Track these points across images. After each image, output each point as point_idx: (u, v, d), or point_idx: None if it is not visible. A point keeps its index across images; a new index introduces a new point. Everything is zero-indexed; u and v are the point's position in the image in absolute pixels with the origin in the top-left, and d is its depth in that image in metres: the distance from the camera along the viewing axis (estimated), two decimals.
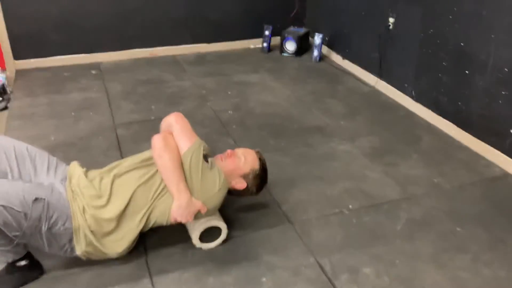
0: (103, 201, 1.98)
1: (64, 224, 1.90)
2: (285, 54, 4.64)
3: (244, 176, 2.23)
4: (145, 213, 2.02)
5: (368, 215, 2.48)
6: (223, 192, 2.15)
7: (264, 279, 2.06)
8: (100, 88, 3.79)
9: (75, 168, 2.12)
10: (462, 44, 3.09)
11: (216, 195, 2.11)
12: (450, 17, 3.15)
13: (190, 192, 2.03)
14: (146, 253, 2.17)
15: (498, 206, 2.59)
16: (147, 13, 4.29)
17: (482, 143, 3.05)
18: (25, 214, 1.79)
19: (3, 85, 3.54)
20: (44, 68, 4.08)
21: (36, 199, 1.83)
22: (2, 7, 3.84)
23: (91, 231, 1.94)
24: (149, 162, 2.12)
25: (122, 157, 2.81)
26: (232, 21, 4.63)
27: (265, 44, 4.64)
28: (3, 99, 3.48)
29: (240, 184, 2.23)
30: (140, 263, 2.12)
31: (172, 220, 2.06)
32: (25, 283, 1.97)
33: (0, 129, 3.11)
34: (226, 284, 2.03)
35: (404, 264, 2.17)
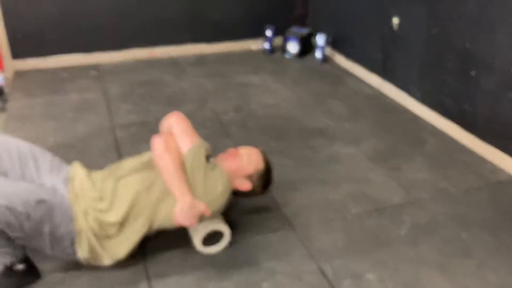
0: (105, 204, 1.95)
1: (66, 227, 1.87)
2: (287, 55, 4.58)
3: (249, 177, 2.18)
4: (148, 217, 1.99)
5: (371, 220, 2.44)
6: (227, 193, 2.11)
7: (265, 285, 2.02)
8: (99, 89, 3.74)
9: (77, 169, 2.09)
10: (467, 45, 3.04)
11: (219, 197, 2.07)
12: (455, 17, 3.10)
13: (193, 194, 1.99)
14: (145, 257, 2.12)
15: (505, 211, 2.55)
16: (146, 14, 4.24)
17: (488, 146, 2.99)
18: (28, 215, 1.77)
19: (1, 86, 3.50)
20: (42, 69, 4.03)
21: (39, 201, 1.81)
22: (1, 7, 3.80)
23: (94, 234, 1.91)
24: (150, 165, 2.09)
25: (120, 158, 2.77)
26: (233, 22, 4.58)
27: (266, 45, 4.58)
28: (1, 100, 3.44)
29: (245, 185, 2.18)
30: (139, 267, 2.08)
31: (175, 223, 2.02)
32: (21, 287, 1.93)
33: None
34: None
35: (408, 270, 2.13)
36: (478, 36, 2.96)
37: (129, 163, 2.14)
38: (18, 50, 3.97)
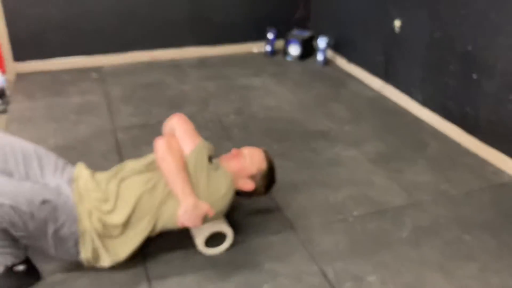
0: (109, 205, 1.95)
1: (70, 227, 1.87)
2: (288, 58, 4.58)
3: (252, 177, 2.18)
4: (151, 218, 1.99)
5: (373, 222, 2.43)
6: (231, 194, 2.10)
7: (265, 286, 2.01)
8: (100, 91, 3.74)
9: (82, 169, 2.10)
10: (469, 47, 3.04)
11: (223, 197, 2.07)
12: (458, 20, 3.10)
13: (196, 195, 1.99)
14: (145, 258, 2.12)
15: (507, 213, 2.53)
16: (148, 16, 4.25)
17: (490, 149, 2.98)
18: (32, 215, 1.77)
19: (2, 88, 3.50)
20: (44, 71, 4.04)
21: (43, 201, 1.81)
22: (3, 9, 3.81)
23: (97, 234, 1.92)
24: (153, 166, 2.10)
25: (121, 161, 2.76)
26: (235, 24, 4.58)
27: (268, 48, 4.58)
28: (2, 102, 3.44)
29: (248, 185, 2.18)
30: (139, 269, 2.07)
31: (179, 225, 2.01)
32: None
33: None
34: None
35: (410, 272, 2.12)
36: (480, 38, 2.96)
37: (133, 164, 2.14)
38: (20, 52, 3.98)
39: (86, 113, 3.38)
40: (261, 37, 4.61)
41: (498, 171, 2.90)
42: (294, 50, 4.54)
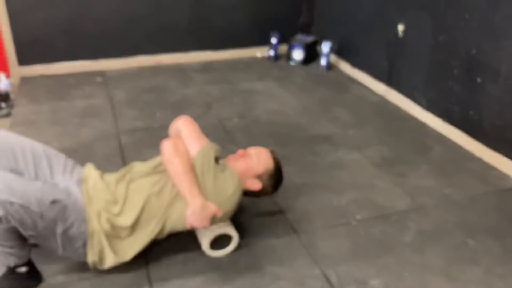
0: (118, 208, 1.96)
1: (79, 228, 1.87)
2: (292, 62, 4.58)
3: (259, 177, 2.19)
4: (159, 220, 1.99)
5: (376, 226, 2.41)
6: (238, 194, 2.11)
7: None
8: (104, 95, 3.75)
9: (91, 170, 2.10)
10: (473, 51, 3.03)
11: (230, 198, 2.07)
12: (461, 24, 3.09)
13: (204, 196, 1.99)
14: (147, 261, 2.11)
15: None
16: (152, 21, 4.26)
17: (495, 153, 2.97)
18: (41, 215, 1.77)
19: (7, 91, 3.51)
20: (48, 75, 4.05)
21: (53, 201, 1.81)
22: (8, 13, 3.83)
23: (105, 235, 1.92)
24: (161, 168, 2.10)
25: (125, 164, 2.77)
26: (239, 29, 4.59)
27: (272, 52, 4.59)
28: (6, 106, 3.45)
29: (255, 185, 2.18)
30: (140, 272, 2.06)
31: (187, 226, 2.02)
32: None
33: None
34: None
35: (413, 277, 2.10)
36: (485, 42, 2.95)
37: (140, 166, 2.14)
38: (25, 56, 4.00)
39: (90, 117, 3.38)
40: (265, 42, 4.62)
41: (502, 176, 2.88)
42: (298, 54, 4.54)
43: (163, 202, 2.00)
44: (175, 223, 2.02)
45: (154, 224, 1.99)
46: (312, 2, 4.75)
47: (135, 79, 4.08)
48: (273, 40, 4.53)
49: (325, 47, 4.38)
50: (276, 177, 2.24)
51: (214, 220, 2.05)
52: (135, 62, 4.33)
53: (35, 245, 2.01)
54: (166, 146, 2.06)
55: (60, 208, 1.82)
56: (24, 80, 3.96)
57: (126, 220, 1.94)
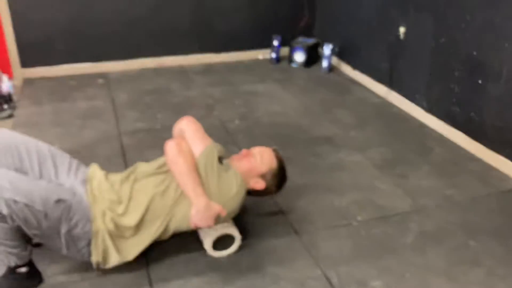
0: (122, 208, 1.96)
1: (83, 227, 1.87)
2: (293, 65, 4.59)
3: (262, 176, 2.19)
4: (163, 221, 2.00)
5: (378, 227, 2.41)
6: (242, 194, 2.11)
7: None
8: (106, 97, 3.76)
9: (96, 170, 2.11)
10: (474, 53, 3.03)
11: (234, 197, 2.07)
12: (463, 25, 3.09)
13: (208, 195, 2.00)
14: (147, 262, 2.11)
15: None
16: (154, 23, 4.27)
17: (496, 155, 2.96)
18: (46, 214, 1.77)
19: (9, 93, 3.52)
20: (51, 77, 4.06)
21: (58, 200, 1.81)
22: (11, 15, 3.84)
23: (110, 234, 1.92)
24: (165, 169, 2.10)
25: (126, 165, 2.77)
26: (241, 31, 4.60)
27: (273, 55, 4.59)
28: (8, 107, 3.46)
29: (259, 184, 2.19)
30: (141, 272, 2.06)
31: (192, 226, 2.02)
32: None
33: None
34: None
35: (414, 278, 2.10)
36: (486, 43, 2.95)
37: (145, 167, 2.15)
38: (27, 58, 4.01)
39: (91, 118, 3.39)
40: (267, 44, 4.62)
41: (504, 177, 2.88)
42: (299, 57, 4.55)
43: (168, 202, 2.00)
44: (179, 223, 2.02)
45: (159, 224, 1.99)
46: (313, 5, 4.75)
47: (137, 81, 4.08)
48: (275, 43, 4.54)
49: (327, 49, 4.39)
50: (279, 176, 2.24)
51: (218, 220, 2.05)
52: (137, 64, 4.34)
53: (37, 245, 2.02)
54: (170, 146, 2.06)
55: (64, 208, 1.83)
56: (27, 82, 3.97)
57: (130, 220, 1.95)
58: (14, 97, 3.58)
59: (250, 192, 2.22)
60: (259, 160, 2.18)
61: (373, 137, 3.30)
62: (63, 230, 1.83)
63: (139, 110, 3.55)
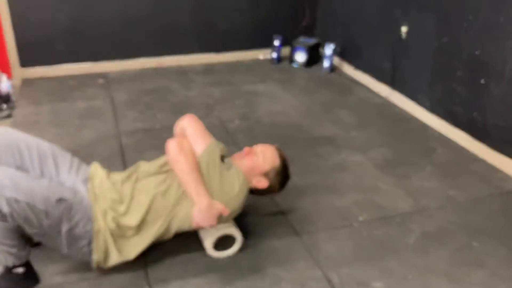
0: (124, 207, 1.94)
1: (84, 226, 1.85)
2: (294, 65, 4.56)
3: (265, 174, 2.17)
4: (164, 220, 1.98)
5: (379, 228, 2.39)
6: (244, 193, 2.09)
7: None
8: (106, 96, 3.74)
9: (97, 169, 2.09)
10: (477, 52, 3.00)
11: (236, 196, 2.05)
12: (465, 25, 3.07)
13: (210, 194, 1.98)
14: (146, 262, 2.08)
15: None
16: (154, 22, 4.25)
17: (499, 155, 2.94)
18: (47, 213, 1.75)
19: (8, 93, 3.50)
20: (50, 77, 4.04)
21: (59, 199, 1.80)
22: (11, 15, 3.82)
23: (111, 234, 1.90)
24: (166, 168, 2.09)
25: (125, 165, 2.75)
26: (241, 31, 4.58)
27: (274, 55, 4.57)
28: (7, 107, 3.44)
29: (262, 183, 2.17)
30: (139, 273, 2.04)
31: (194, 225, 2.01)
32: None
33: None
34: None
35: (416, 279, 2.07)
36: (488, 43, 2.92)
37: (146, 166, 2.13)
38: (27, 58, 3.99)
39: (91, 118, 3.37)
40: (267, 44, 4.60)
41: (507, 178, 2.85)
42: (300, 57, 4.53)
43: (169, 202, 1.98)
44: (181, 223, 2.00)
45: (160, 223, 1.97)
46: (314, 4, 4.73)
47: (137, 81, 4.06)
48: (276, 42, 4.51)
49: (328, 49, 4.36)
50: (283, 174, 2.22)
51: (220, 219, 2.03)
52: (136, 64, 4.32)
53: (36, 245, 2.00)
54: (171, 145, 2.04)
55: (66, 207, 1.81)
56: (26, 82, 3.95)
57: (131, 220, 1.93)
58: (13, 97, 3.56)
59: (253, 191, 2.19)
60: (261, 158, 2.16)
61: (374, 137, 3.28)
62: (64, 229, 1.81)
63: (138, 110, 3.53)
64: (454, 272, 2.11)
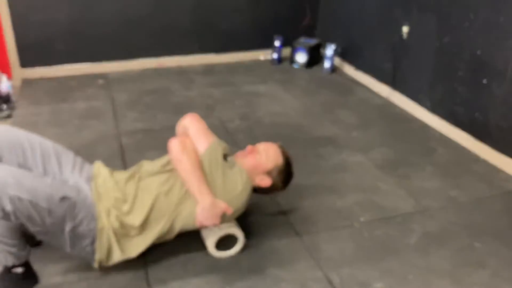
0: (127, 206, 1.94)
1: (88, 225, 1.85)
2: (295, 65, 4.55)
3: (268, 173, 2.15)
4: (168, 219, 1.97)
5: (380, 228, 2.37)
6: (247, 191, 2.08)
7: None
8: (106, 97, 3.73)
9: (100, 168, 2.08)
10: (478, 52, 2.99)
11: (240, 195, 2.04)
12: (466, 24, 3.06)
13: (213, 193, 1.97)
14: (145, 262, 2.07)
15: None
16: (155, 23, 4.24)
17: (501, 155, 2.92)
18: (50, 211, 1.75)
19: (8, 93, 3.50)
20: (50, 77, 4.03)
21: (63, 197, 1.79)
22: (11, 15, 3.82)
23: (114, 232, 1.89)
24: (169, 167, 2.08)
25: (125, 165, 2.74)
26: (242, 32, 4.57)
27: (275, 55, 4.56)
28: (7, 107, 3.43)
29: (265, 181, 2.15)
30: (139, 273, 2.03)
31: (197, 224, 1.99)
32: None
33: None
34: None
35: (417, 280, 2.06)
36: (490, 43, 2.91)
37: (149, 165, 2.12)
38: (27, 58, 3.98)
39: (91, 119, 3.36)
40: (268, 44, 4.59)
41: (509, 178, 2.84)
42: (301, 57, 4.52)
43: (172, 201, 1.98)
44: (185, 222, 1.99)
45: (163, 223, 1.97)
46: (315, 5, 4.72)
47: (137, 81, 4.05)
48: (276, 43, 4.50)
49: (329, 49, 4.35)
50: (286, 173, 2.21)
51: (224, 218, 2.02)
52: (137, 64, 4.31)
53: (36, 244, 1.99)
54: (174, 144, 2.03)
55: (69, 205, 1.80)
56: (26, 82, 3.94)
57: (135, 219, 1.92)
58: (13, 98, 3.56)
59: (256, 189, 2.18)
60: (264, 157, 2.14)
61: (375, 138, 3.27)
62: (68, 227, 1.80)
63: (138, 110, 3.52)
64: (455, 273, 2.10)
